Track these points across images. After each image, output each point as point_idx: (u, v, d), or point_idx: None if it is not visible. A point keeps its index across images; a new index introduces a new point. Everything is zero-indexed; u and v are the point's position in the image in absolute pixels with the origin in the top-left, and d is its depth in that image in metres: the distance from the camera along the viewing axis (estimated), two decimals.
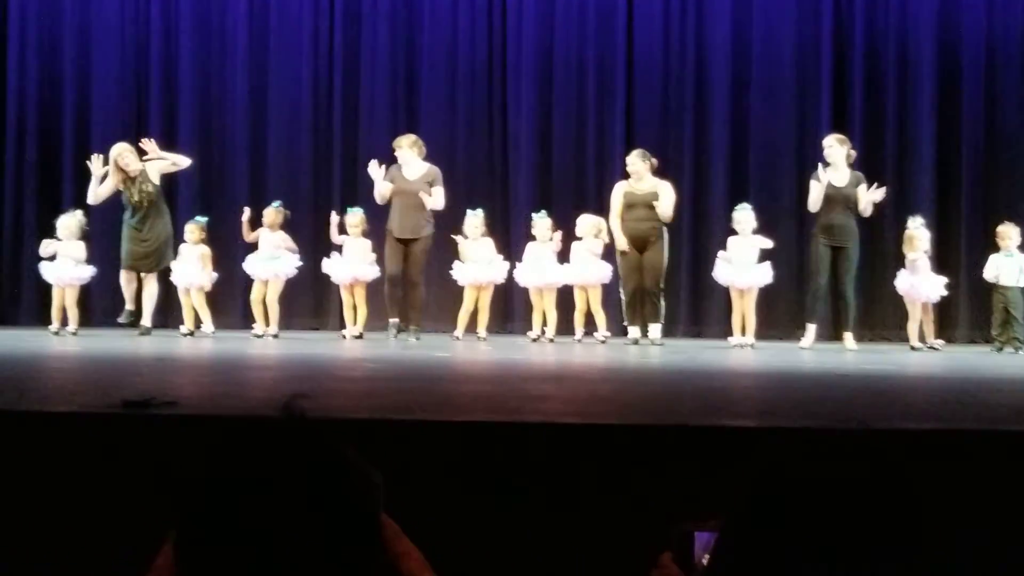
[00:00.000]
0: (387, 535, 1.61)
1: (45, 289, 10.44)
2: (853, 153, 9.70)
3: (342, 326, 10.32)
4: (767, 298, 10.32)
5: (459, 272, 10.14)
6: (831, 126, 10.89)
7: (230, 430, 1.37)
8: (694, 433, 3.10)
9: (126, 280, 9.93)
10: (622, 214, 9.75)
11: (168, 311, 10.81)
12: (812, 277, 9.77)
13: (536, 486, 2.92)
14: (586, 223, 10.10)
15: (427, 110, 11.99)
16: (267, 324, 9.98)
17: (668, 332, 10.12)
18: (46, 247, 10.07)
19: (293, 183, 11.82)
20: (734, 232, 9.85)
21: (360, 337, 9.83)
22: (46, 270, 10.10)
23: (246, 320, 10.61)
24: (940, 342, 9.79)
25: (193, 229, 10.17)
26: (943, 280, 9.94)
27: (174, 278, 10.12)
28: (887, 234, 10.99)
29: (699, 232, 11.52)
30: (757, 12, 11.78)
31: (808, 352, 9.02)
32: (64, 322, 9.97)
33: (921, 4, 11.63)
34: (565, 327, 10.13)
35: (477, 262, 10.08)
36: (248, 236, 10.13)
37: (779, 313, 11.11)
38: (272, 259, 10.04)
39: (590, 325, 10.05)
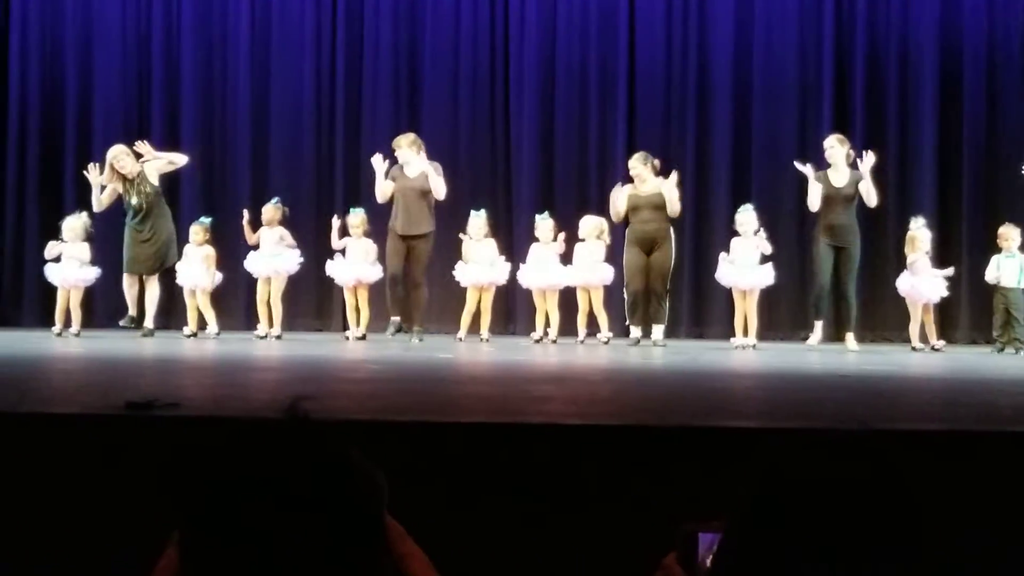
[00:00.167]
0: (391, 536, 1.61)
1: (47, 290, 10.45)
2: (852, 153, 9.72)
3: (345, 327, 10.32)
4: (769, 299, 10.33)
5: (461, 273, 10.15)
6: (833, 128, 10.88)
7: (233, 432, 1.37)
8: (696, 434, 3.11)
9: (128, 284, 9.93)
10: (628, 217, 9.80)
11: (171, 312, 10.83)
12: (814, 277, 9.78)
13: (539, 487, 2.93)
14: (588, 224, 10.11)
15: (429, 110, 12.00)
16: (270, 325, 9.99)
17: (670, 333, 10.13)
18: (51, 249, 10.08)
19: (295, 183, 11.82)
20: (736, 233, 9.86)
21: (363, 338, 9.84)
22: (51, 271, 10.10)
23: (250, 321, 10.61)
24: (941, 343, 9.79)
25: (198, 230, 10.18)
26: (947, 271, 9.91)
27: (180, 279, 10.13)
28: (889, 234, 11.00)
29: (701, 233, 11.52)
30: (759, 15, 11.78)
31: (810, 353, 9.02)
32: (67, 323, 9.97)
33: (922, 6, 11.63)
34: (568, 328, 10.14)
35: (479, 263, 10.09)
36: (251, 239, 10.14)
37: (781, 314, 11.13)
38: (272, 256, 10.05)
39: (592, 326, 10.05)
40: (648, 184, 9.79)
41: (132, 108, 12.09)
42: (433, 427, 3.16)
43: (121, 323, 9.94)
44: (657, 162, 9.89)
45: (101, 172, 9.92)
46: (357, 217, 10.11)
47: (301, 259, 10.17)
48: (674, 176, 9.84)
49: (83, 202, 10.38)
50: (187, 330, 10.02)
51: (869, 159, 9.55)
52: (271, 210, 10.17)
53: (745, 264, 9.73)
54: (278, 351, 8.26)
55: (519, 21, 12.04)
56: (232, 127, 12.08)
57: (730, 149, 11.75)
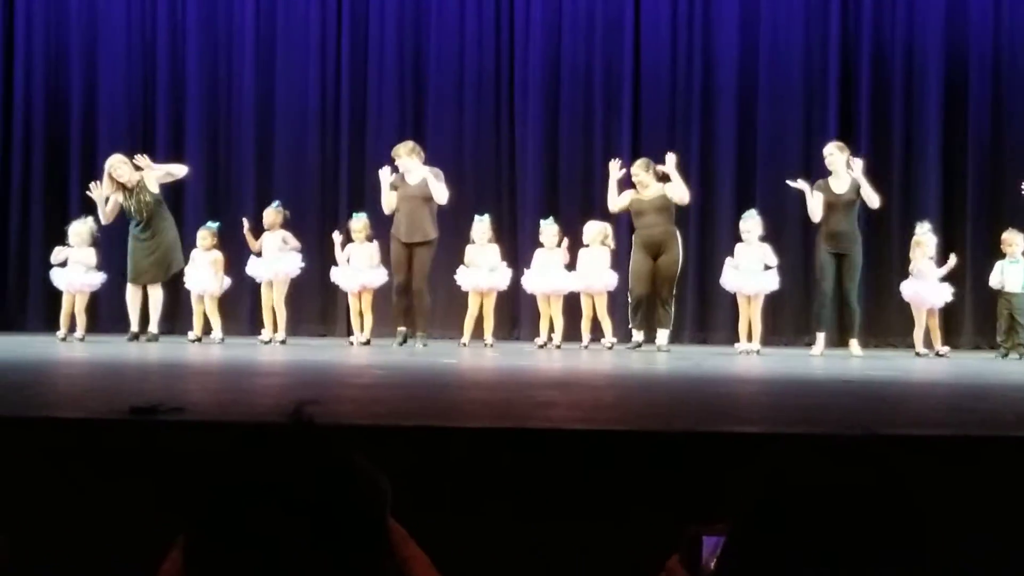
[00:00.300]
0: (395, 540, 1.61)
1: (52, 295, 10.46)
2: (850, 160, 9.72)
3: (349, 332, 10.33)
4: (773, 305, 10.32)
5: (462, 277, 10.15)
6: (838, 133, 10.89)
7: (238, 436, 1.38)
8: (700, 439, 3.11)
9: (132, 294, 9.91)
10: (633, 222, 9.87)
11: (176, 317, 10.83)
12: (818, 285, 9.79)
13: (542, 492, 2.93)
14: (593, 230, 10.10)
15: (435, 116, 11.99)
16: (275, 330, 9.99)
17: (674, 338, 10.12)
18: (58, 254, 10.08)
19: (300, 187, 11.82)
20: (741, 239, 9.86)
21: (367, 344, 9.84)
22: (56, 276, 10.10)
23: (254, 326, 10.61)
24: (946, 348, 9.78)
25: (205, 235, 10.18)
26: (948, 264, 9.89)
27: (188, 284, 10.13)
28: (893, 239, 10.98)
29: (706, 239, 11.51)
30: (764, 20, 11.77)
31: (814, 358, 9.02)
32: (72, 328, 9.98)
33: (928, 11, 11.62)
34: (572, 334, 10.14)
35: (481, 268, 10.09)
36: (254, 246, 10.12)
37: (785, 320, 11.11)
38: (274, 260, 10.06)
39: (597, 331, 10.05)
40: (651, 189, 9.80)
41: (137, 112, 12.08)
42: (437, 432, 3.16)
43: (127, 339, 9.91)
44: (659, 168, 9.88)
45: (101, 183, 9.93)
46: (360, 222, 10.12)
47: (303, 263, 10.17)
48: (671, 159, 9.79)
49: (88, 207, 10.37)
50: (192, 335, 10.03)
51: (857, 164, 9.56)
52: (272, 214, 10.17)
53: (750, 269, 9.73)
54: (282, 356, 8.26)
55: (524, 25, 12.04)
56: (237, 131, 12.07)
57: (735, 153, 11.73)
